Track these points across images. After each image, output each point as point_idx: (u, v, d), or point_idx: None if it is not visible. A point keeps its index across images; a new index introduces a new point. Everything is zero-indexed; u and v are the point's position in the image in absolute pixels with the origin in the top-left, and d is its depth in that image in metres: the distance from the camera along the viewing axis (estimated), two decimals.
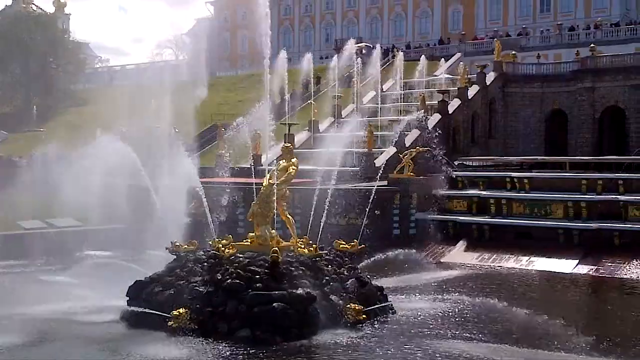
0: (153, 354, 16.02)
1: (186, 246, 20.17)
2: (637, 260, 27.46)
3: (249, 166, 28.95)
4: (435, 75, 51.77)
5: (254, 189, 21.55)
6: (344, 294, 18.82)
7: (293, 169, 20.60)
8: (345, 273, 19.77)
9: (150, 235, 31.39)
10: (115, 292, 20.37)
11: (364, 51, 57.87)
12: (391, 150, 36.71)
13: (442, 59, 57.39)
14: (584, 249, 29.19)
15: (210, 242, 20.45)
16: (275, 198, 20.03)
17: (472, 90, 44.43)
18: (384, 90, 49.67)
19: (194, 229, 23.47)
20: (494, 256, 30.00)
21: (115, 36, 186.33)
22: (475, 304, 20.56)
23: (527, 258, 29.31)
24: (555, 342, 16.90)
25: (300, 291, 17.84)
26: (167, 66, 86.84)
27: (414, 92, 48.45)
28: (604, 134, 44.77)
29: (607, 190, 30.84)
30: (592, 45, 48.20)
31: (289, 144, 22.70)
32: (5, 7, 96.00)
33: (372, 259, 25.10)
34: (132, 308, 18.72)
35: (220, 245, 19.51)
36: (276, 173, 20.60)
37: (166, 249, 20.68)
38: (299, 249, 19.85)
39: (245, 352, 16.20)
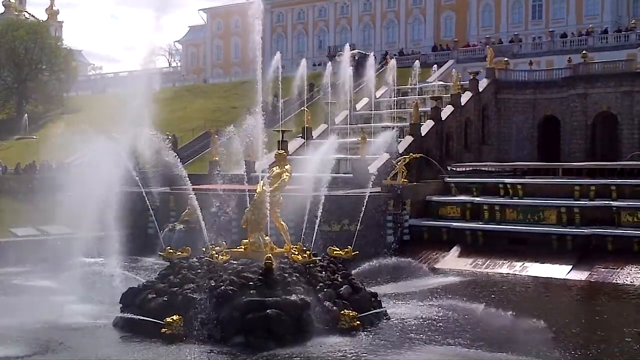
0: None
1: (179, 253, 20.11)
2: (630, 266, 27.51)
3: (243, 173, 28.90)
4: (428, 82, 51.89)
5: (248, 196, 21.52)
6: (338, 301, 18.81)
7: (287, 175, 20.61)
8: (339, 279, 19.74)
9: (144, 242, 31.44)
10: (108, 299, 20.32)
11: (357, 58, 57.95)
12: (384, 156, 36.72)
13: (435, 65, 57.56)
14: (578, 255, 29.22)
15: (204, 249, 20.42)
16: (268, 205, 20.01)
17: (465, 97, 44.54)
18: (377, 96, 49.77)
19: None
20: (488, 262, 29.97)
21: (107, 43, 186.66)
22: (469, 310, 20.53)
23: (520, 264, 29.31)
24: (544, 349, 16.90)
25: (294, 297, 17.82)
26: (161, 73, 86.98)
27: (407, 98, 48.54)
28: (596, 140, 44.91)
29: (600, 196, 30.94)
30: (584, 51, 48.42)
31: (283, 151, 22.71)
32: None
33: (366, 265, 25.07)
34: (125, 315, 18.66)
35: (214, 252, 19.49)
36: (269, 180, 20.60)
37: (160, 255, 20.60)
38: (292, 255, 19.83)
39: (239, 358, 16.16)
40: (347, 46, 54.43)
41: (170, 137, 35.15)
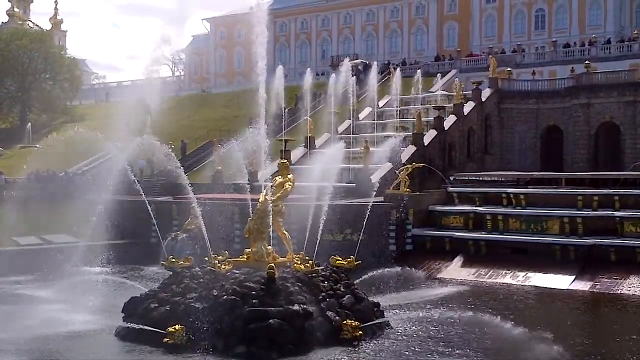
0: None
1: (182, 262, 20.10)
2: (633, 276, 27.40)
3: (245, 182, 28.94)
4: (431, 92, 51.91)
5: (250, 205, 21.51)
6: (340, 310, 18.76)
7: (289, 184, 20.61)
8: (342, 289, 19.70)
9: (146, 251, 31.43)
10: (110, 308, 20.29)
11: (360, 67, 58.04)
12: (387, 166, 36.72)
13: (438, 75, 57.62)
14: (581, 265, 29.12)
15: (207, 258, 20.41)
16: (271, 214, 19.99)
17: (468, 107, 44.56)
18: (380, 106, 49.83)
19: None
20: (491, 272, 29.90)
21: (109, 52, 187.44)
22: (472, 320, 20.40)
23: (523, 274, 29.22)
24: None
25: (296, 307, 17.79)
26: (164, 82, 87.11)
27: (410, 108, 48.59)
28: (599, 150, 44.87)
29: (603, 206, 30.88)
30: (586, 61, 48.42)
31: (285, 160, 22.71)
32: (2, 24, 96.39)
33: (369, 275, 25.02)
34: (127, 324, 18.63)
35: (217, 261, 19.48)
36: (272, 189, 20.59)
37: (162, 264, 20.59)
38: (295, 265, 19.80)
39: None
40: (347, 58, 54.59)
41: (173, 145, 35.15)
